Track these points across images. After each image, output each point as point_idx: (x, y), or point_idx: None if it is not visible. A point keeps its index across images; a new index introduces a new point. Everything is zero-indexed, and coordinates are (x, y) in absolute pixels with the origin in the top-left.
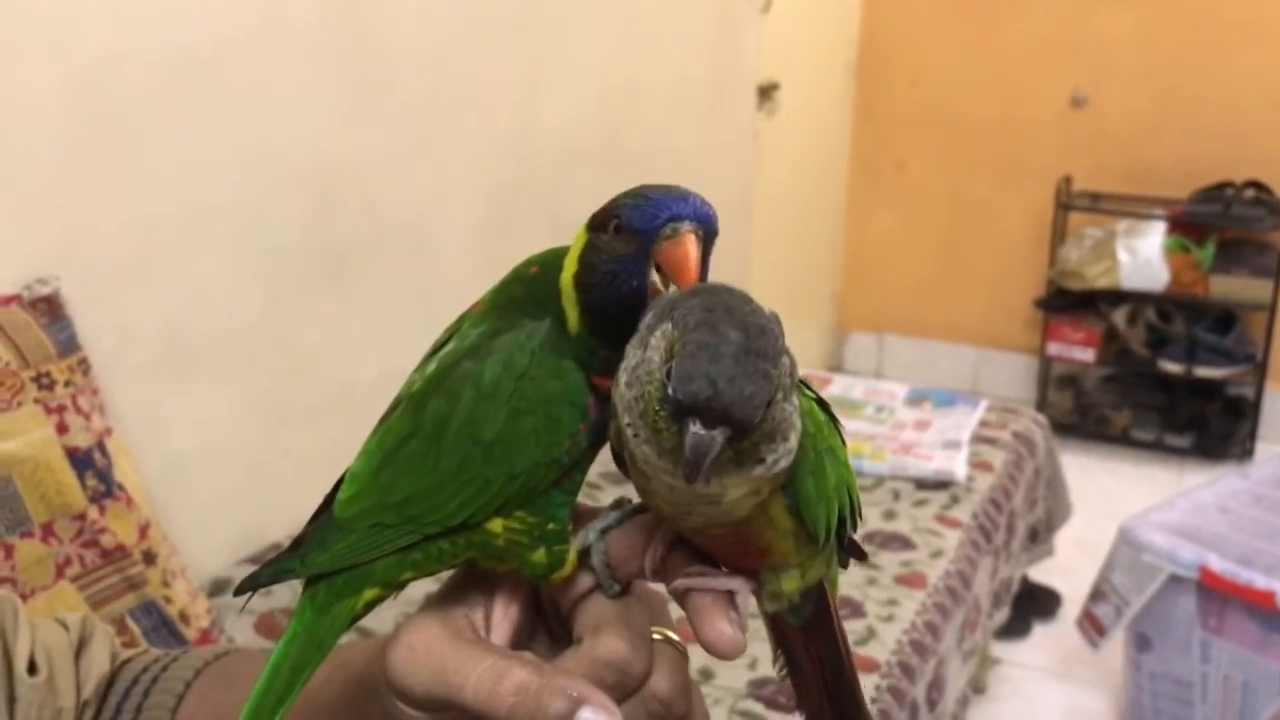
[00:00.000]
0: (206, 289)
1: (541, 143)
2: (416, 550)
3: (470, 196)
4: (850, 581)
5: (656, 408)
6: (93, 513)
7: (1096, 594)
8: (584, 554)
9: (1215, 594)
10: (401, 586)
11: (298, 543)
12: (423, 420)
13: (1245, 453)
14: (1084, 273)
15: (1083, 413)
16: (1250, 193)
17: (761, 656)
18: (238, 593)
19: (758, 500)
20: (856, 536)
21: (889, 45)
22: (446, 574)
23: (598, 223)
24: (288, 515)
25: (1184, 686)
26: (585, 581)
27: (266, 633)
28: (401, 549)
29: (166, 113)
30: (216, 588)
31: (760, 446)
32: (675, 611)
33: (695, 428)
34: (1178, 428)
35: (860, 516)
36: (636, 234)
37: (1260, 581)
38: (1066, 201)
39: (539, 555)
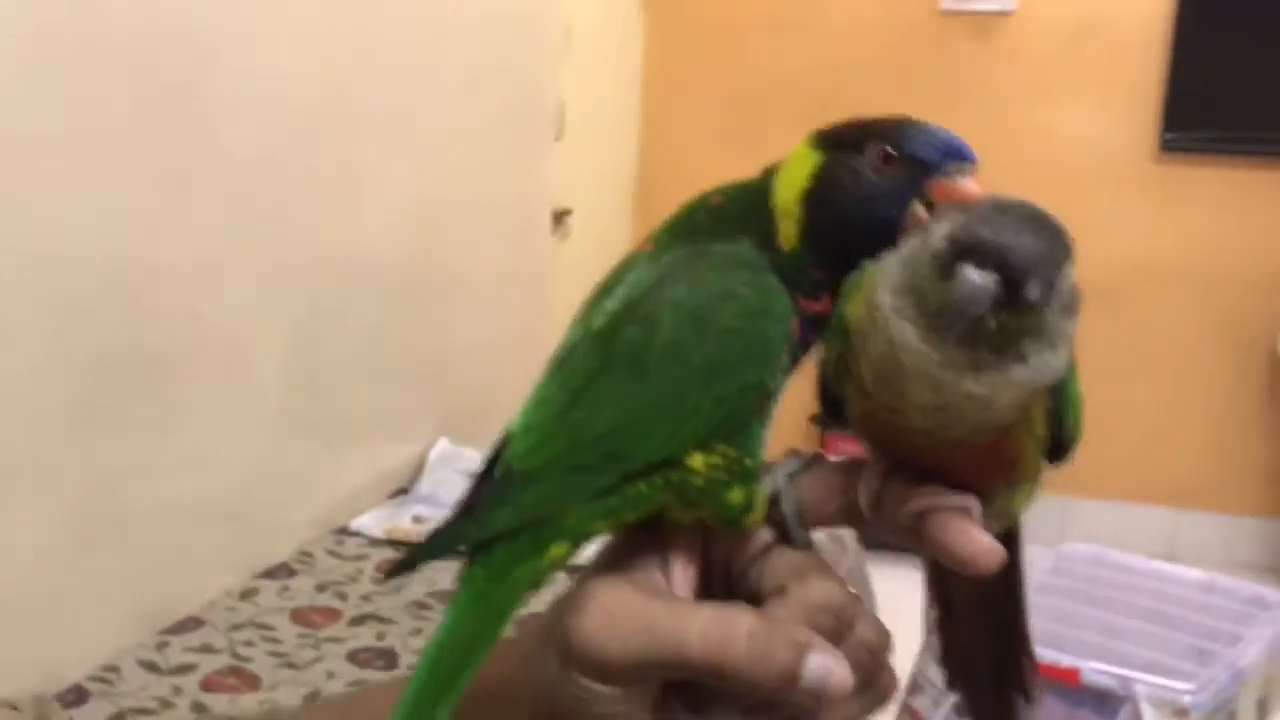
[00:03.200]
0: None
1: (358, 254)
2: (613, 495)
3: (291, 306)
4: None
5: (929, 272)
6: None
7: (914, 688)
8: (770, 502)
9: None
10: (588, 540)
11: (466, 509)
12: (616, 352)
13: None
14: None
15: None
16: None
17: None
18: (393, 573)
19: (1025, 406)
20: None
21: (665, 174)
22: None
23: (844, 142)
24: (93, 651)
25: None
26: (765, 536)
27: None
28: (596, 495)
29: None
30: None
31: (1025, 340)
32: None
33: (969, 268)
34: None
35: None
36: (915, 164)
37: (1065, 660)
38: None
39: (736, 495)
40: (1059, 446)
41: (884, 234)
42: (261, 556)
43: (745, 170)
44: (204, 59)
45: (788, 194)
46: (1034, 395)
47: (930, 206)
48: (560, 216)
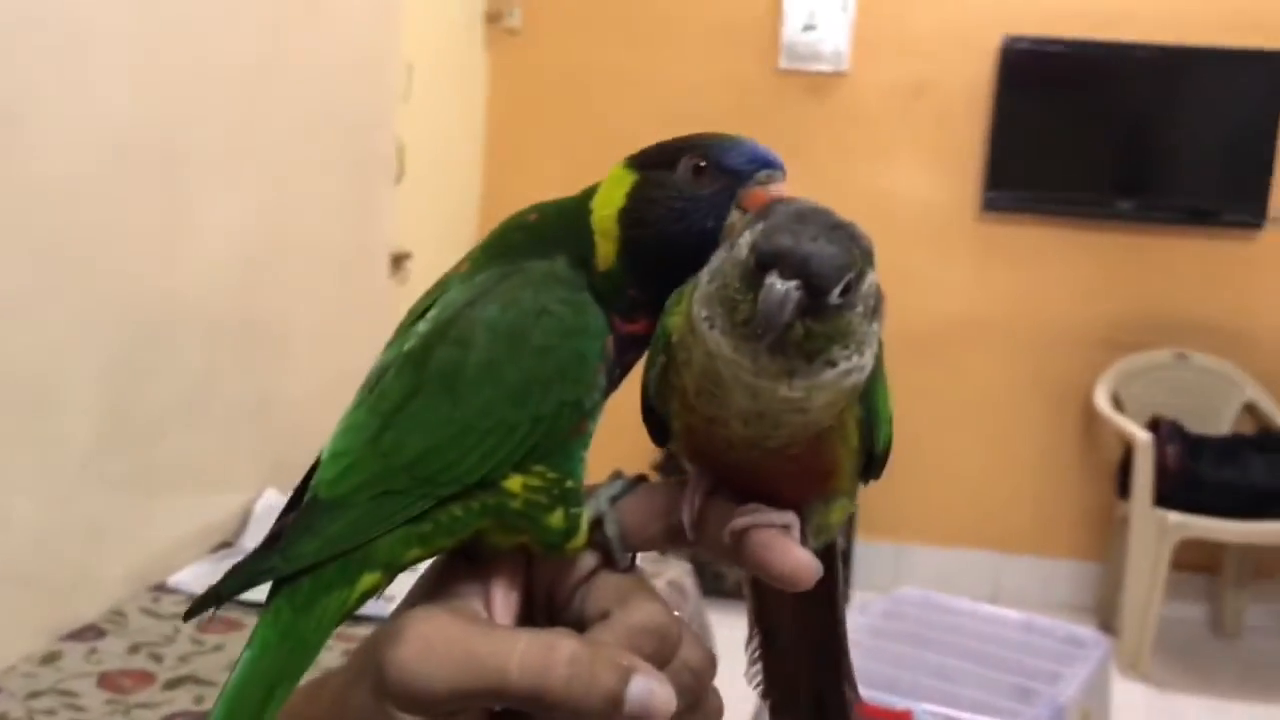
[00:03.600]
0: None
1: (179, 294)
2: (426, 521)
3: (104, 347)
4: None
5: (736, 283)
6: None
7: None
8: (593, 525)
9: None
10: (401, 569)
11: (271, 540)
12: (428, 373)
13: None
14: None
15: (699, 570)
16: None
17: None
18: (193, 611)
19: (838, 410)
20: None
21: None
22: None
23: (658, 161)
24: None
25: None
26: (589, 561)
27: None
28: (409, 521)
29: None
30: None
31: (834, 346)
32: None
33: (772, 279)
34: None
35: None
36: (726, 174)
37: (899, 703)
38: None
39: (556, 518)
40: (872, 461)
41: (702, 246)
42: (67, 617)
43: None
44: (13, 87)
45: (605, 214)
46: (846, 398)
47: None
48: (399, 260)
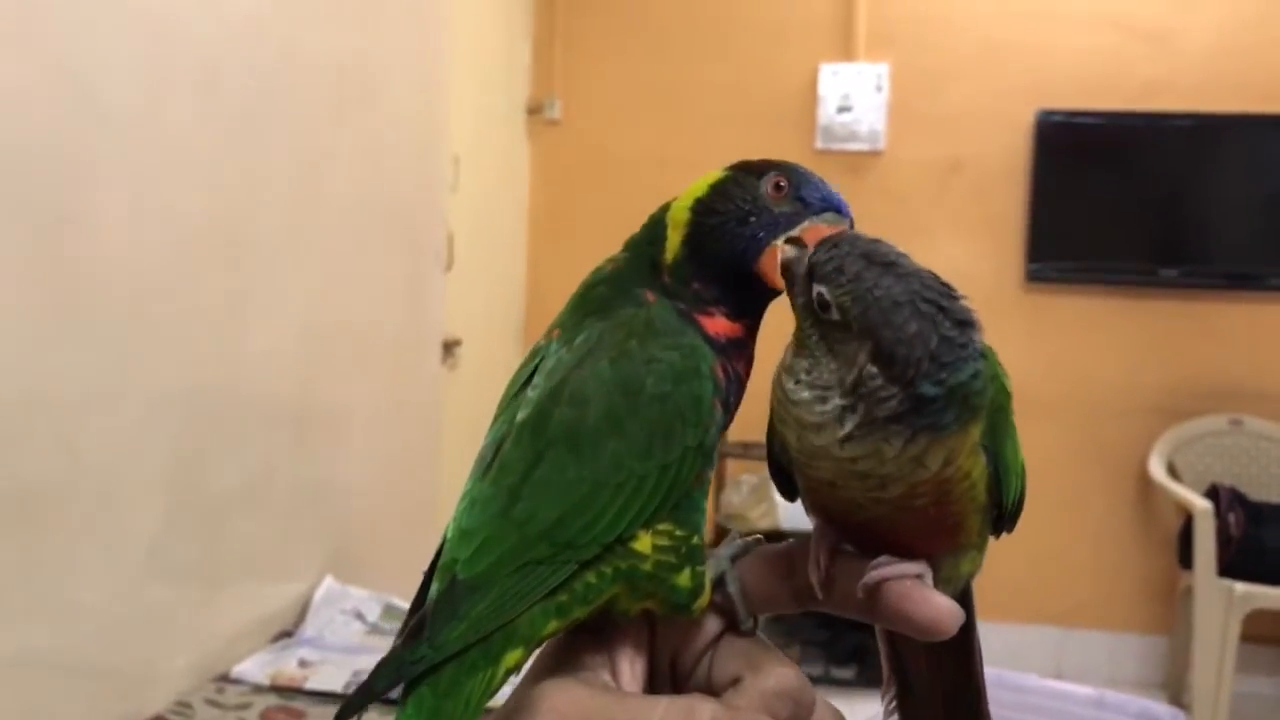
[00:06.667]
0: None
1: (240, 386)
2: (563, 591)
3: (171, 438)
4: None
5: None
6: None
7: None
8: (714, 586)
9: None
10: (540, 644)
11: (415, 631)
12: (549, 437)
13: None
14: (746, 515)
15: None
16: None
17: None
18: (345, 711)
19: (950, 462)
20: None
21: (554, 302)
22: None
23: (750, 168)
24: None
25: None
26: (713, 626)
27: None
28: (548, 594)
29: None
30: None
31: (899, 414)
32: None
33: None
34: (841, 660)
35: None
36: (798, 201)
37: None
38: (723, 450)
39: (684, 578)
40: (1001, 515)
41: (748, 252)
42: (133, 709)
43: None
44: (83, 188)
45: (682, 205)
46: (949, 453)
47: (796, 243)
48: (450, 346)
